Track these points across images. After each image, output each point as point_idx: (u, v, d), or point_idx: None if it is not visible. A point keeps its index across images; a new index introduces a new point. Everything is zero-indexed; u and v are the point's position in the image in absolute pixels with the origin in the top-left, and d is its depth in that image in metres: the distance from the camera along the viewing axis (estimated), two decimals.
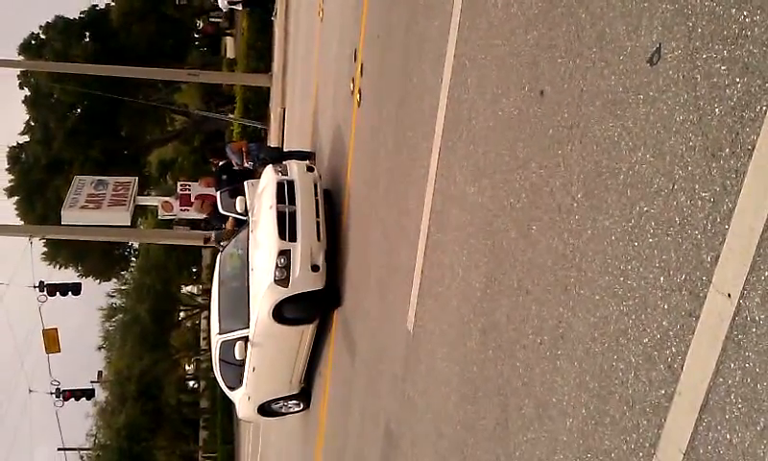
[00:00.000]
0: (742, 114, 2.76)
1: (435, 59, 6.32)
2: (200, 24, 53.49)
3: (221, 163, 14.95)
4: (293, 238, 10.18)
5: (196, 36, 54.33)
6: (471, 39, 5.48)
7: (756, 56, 2.72)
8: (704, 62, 2.97)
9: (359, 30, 10.01)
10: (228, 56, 50.87)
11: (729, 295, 2.76)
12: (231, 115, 34.26)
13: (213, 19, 53.11)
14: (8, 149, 41.57)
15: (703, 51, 2.98)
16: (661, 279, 3.14)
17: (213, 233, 15.08)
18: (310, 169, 11.54)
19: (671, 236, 3.10)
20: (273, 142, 25.84)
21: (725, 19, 2.87)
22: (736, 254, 2.75)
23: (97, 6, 46.05)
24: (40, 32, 41.79)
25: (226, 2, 29.02)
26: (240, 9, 28.80)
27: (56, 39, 40.62)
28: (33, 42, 41.06)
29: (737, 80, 2.80)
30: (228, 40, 53.10)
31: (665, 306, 3.10)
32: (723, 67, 2.88)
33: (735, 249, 2.75)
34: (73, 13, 43.37)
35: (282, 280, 10.00)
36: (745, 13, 2.79)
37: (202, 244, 22.16)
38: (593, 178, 3.69)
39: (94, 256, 42.83)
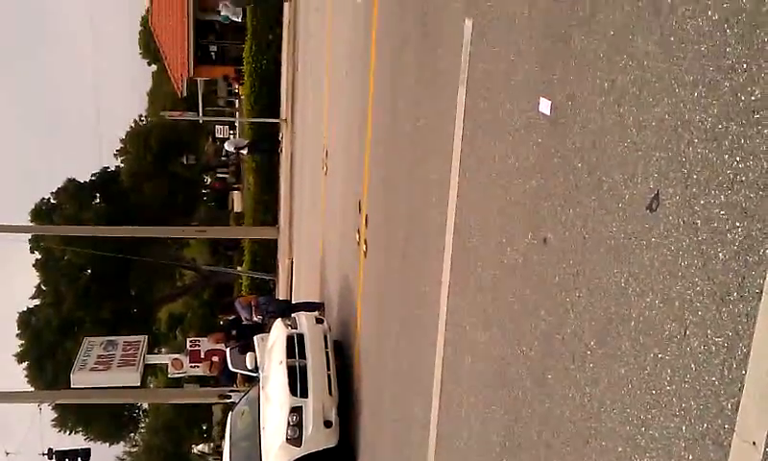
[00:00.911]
0: (746, 258, 2.77)
1: (437, 207, 6.43)
2: (208, 180, 55.02)
3: (230, 319, 14.96)
4: (304, 394, 10.01)
5: (204, 191, 55.77)
6: (472, 188, 5.60)
7: (753, 200, 2.75)
8: (702, 208, 3.00)
9: (362, 183, 10.27)
10: (235, 210, 51.93)
11: (753, 443, 2.67)
12: (240, 268, 34.61)
13: (221, 175, 54.68)
14: (18, 314, 41.80)
15: (700, 197, 3.02)
16: (683, 428, 3.04)
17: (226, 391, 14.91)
18: (319, 321, 11.51)
19: (689, 383, 3.03)
20: (281, 294, 25.96)
21: (719, 165, 2.93)
22: (756, 399, 2.67)
23: (108, 168, 47.59)
24: (51, 197, 42.95)
25: (233, 147, 29.91)
26: (245, 153, 29.66)
27: (67, 203, 41.67)
28: (44, 208, 42.11)
29: (737, 224, 2.83)
30: (236, 195, 54.38)
31: (690, 457, 2.99)
32: (722, 212, 2.91)
33: (755, 395, 2.68)
34: (84, 176, 44.72)
35: (295, 439, 9.75)
36: (738, 159, 2.84)
37: (215, 401, 21.84)
38: (604, 325, 3.66)
39: (103, 419, 42.17)
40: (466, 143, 5.76)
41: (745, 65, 2.79)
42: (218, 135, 45.40)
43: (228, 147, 29.44)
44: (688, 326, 3.05)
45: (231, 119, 44.49)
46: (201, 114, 34.91)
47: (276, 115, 28.12)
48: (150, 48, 52.35)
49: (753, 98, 2.75)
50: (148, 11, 37.60)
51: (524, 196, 4.64)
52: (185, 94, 36.80)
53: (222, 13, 25.53)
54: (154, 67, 61.40)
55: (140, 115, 55.54)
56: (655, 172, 3.31)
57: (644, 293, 3.35)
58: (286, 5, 26.26)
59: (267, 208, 29.78)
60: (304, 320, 11.33)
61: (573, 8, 4.05)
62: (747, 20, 2.78)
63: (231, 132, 56.01)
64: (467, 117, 5.74)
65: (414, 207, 7.42)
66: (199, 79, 35.35)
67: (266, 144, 28.68)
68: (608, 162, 3.69)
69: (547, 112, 4.31)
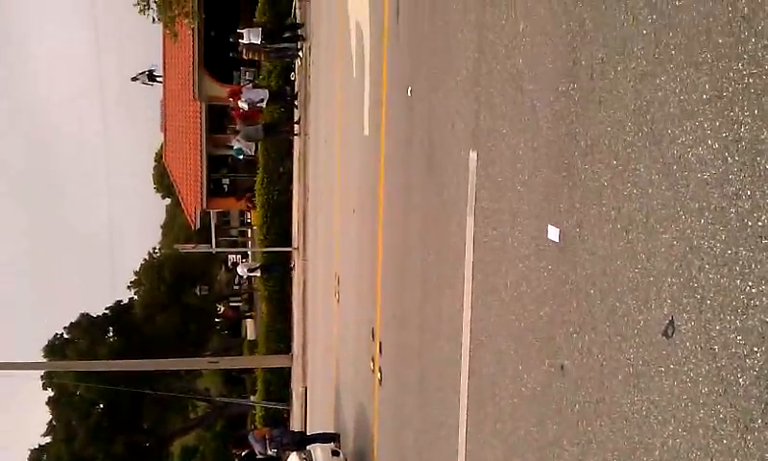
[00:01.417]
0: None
1: (451, 336, 6.40)
2: (221, 309, 55.13)
3: (243, 453, 14.62)
4: None
5: (217, 320, 55.78)
6: (485, 316, 5.59)
7: None
8: (719, 333, 2.99)
9: (375, 310, 10.27)
10: (248, 338, 51.75)
11: None
12: (253, 398, 34.11)
13: (234, 304, 54.85)
14: (29, 452, 41.06)
15: (716, 322, 3.01)
16: None
17: None
18: (335, 453, 11.26)
19: None
20: (296, 422, 25.48)
21: (731, 291, 2.93)
22: None
23: (121, 301, 47.87)
24: (65, 332, 43.03)
25: (246, 269, 30.01)
26: (258, 274, 29.79)
27: (80, 338, 41.68)
28: (57, 343, 42.12)
29: (755, 349, 2.80)
30: (249, 323, 54.33)
31: None
32: (739, 338, 2.89)
33: None
34: (98, 310, 44.93)
35: None
36: (750, 284, 2.85)
37: None
38: (628, 454, 3.56)
39: None
40: (477, 271, 5.80)
41: (749, 192, 2.84)
42: (231, 264, 45.90)
43: (240, 271, 29.64)
44: (714, 454, 2.97)
45: (244, 249, 45.02)
46: (214, 245, 35.36)
47: (288, 244, 28.45)
48: (164, 182, 53.68)
49: (759, 224, 2.78)
50: (162, 146, 38.74)
51: (539, 323, 4.63)
52: (198, 226, 37.40)
53: (235, 147, 26.34)
54: (167, 201, 62.80)
55: (154, 248, 56.39)
56: (668, 298, 3.32)
57: (666, 421, 3.29)
58: (296, 138, 27.05)
59: (280, 336, 29.66)
60: (320, 453, 11.08)
61: (575, 139, 4.17)
62: (747, 148, 2.85)
63: (243, 259, 56.56)
64: (476, 246, 5.80)
65: (428, 337, 7.39)
66: (212, 210, 36.00)
67: (278, 267, 28.94)
68: (620, 288, 3.69)
69: (556, 240, 4.36)
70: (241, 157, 26.44)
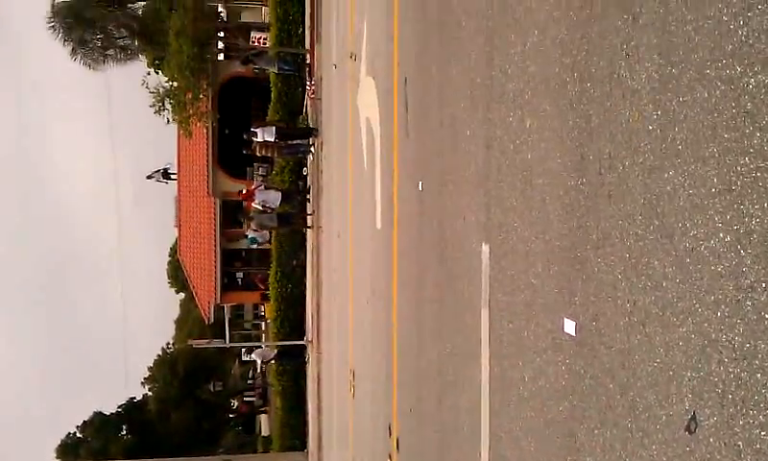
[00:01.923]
0: None
1: (470, 432, 6.29)
2: (235, 404, 54.47)
3: None
4: None
5: (231, 416, 55.04)
6: (504, 411, 5.51)
7: None
8: (742, 429, 2.93)
9: (391, 405, 10.12)
10: (262, 434, 50.91)
11: None
12: None
13: (248, 398, 54.20)
14: None
15: (738, 417, 2.95)
16: None
17: None
18: None
19: None
20: None
21: (752, 385, 2.89)
22: None
23: (134, 398, 47.46)
24: (77, 431, 42.57)
25: (260, 358, 29.65)
26: (274, 363, 29.46)
27: (93, 437, 41.18)
28: (70, 443, 41.61)
29: None
30: (263, 418, 53.57)
31: None
32: (763, 433, 2.83)
33: None
34: (111, 407, 44.53)
35: None
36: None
37: None
38: None
39: None
40: (494, 365, 5.74)
41: (764, 284, 2.83)
42: (245, 351, 45.61)
43: (255, 357, 29.35)
44: None
45: (258, 343, 44.80)
46: (227, 339, 35.25)
47: (302, 337, 28.33)
48: (178, 277, 53.98)
49: None
50: (176, 241, 39.15)
51: (558, 418, 4.55)
52: (212, 320, 37.38)
53: (249, 236, 26.65)
54: (182, 295, 62.95)
55: (167, 343, 56.24)
56: (689, 392, 3.27)
57: None
58: (309, 231, 27.30)
59: (295, 432, 29.18)
60: None
61: (586, 233, 4.20)
62: (759, 240, 2.86)
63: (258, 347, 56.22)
64: (492, 340, 5.76)
65: (446, 432, 7.26)
66: (226, 305, 36.06)
67: (294, 355, 28.74)
68: (639, 383, 3.65)
69: (573, 333, 4.33)
70: (255, 245, 26.68)
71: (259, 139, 23.15)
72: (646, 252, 3.59)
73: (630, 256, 3.73)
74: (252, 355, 29.43)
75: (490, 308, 5.85)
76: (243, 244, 34.30)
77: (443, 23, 7.61)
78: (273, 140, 23.15)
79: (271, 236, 30.55)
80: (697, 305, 3.20)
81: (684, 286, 3.29)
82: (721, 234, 3.06)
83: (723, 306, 3.04)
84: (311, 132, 23.29)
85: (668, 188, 3.42)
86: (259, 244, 27.98)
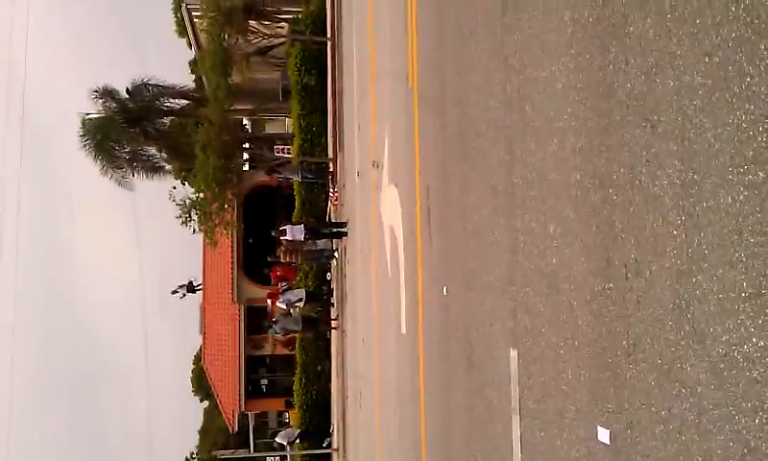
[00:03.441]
0: None
1: None
2: None
3: None
4: None
5: None
6: None
7: None
8: None
9: None
10: None
11: None
12: None
13: None
14: None
15: None
16: None
17: None
18: None
19: None
20: None
21: None
22: None
23: None
24: None
25: (285, 440, 28.62)
26: (297, 442, 28.52)
27: None
28: None
29: None
30: None
31: None
32: None
33: None
34: None
35: None
36: None
37: None
38: None
39: None
40: None
41: None
42: (270, 434, 44.70)
43: (280, 440, 28.41)
44: None
45: (283, 453, 43.89)
46: (252, 448, 34.66)
47: (328, 446, 27.78)
48: (202, 385, 53.57)
49: None
50: (201, 349, 39.09)
51: None
52: (237, 429, 36.87)
53: (270, 328, 26.59)
54: (206, 403, 62.31)
55: (191, 453, 55.28)
56: None
57: None
58: (334, 336, 27.18)
59: None
60: None
61: (616, 338, 4.16)
62: None
63: (281, 428, 54.94)
64: (524, 449, 5.63)
65: None
66: (250, 412, 35.64)
67: (316, 436, 28.05)
68: None
69: (607, 442, 4.24)
70: (279, 334, 26.51)
71: (288, 237, 22.79)
72: (678, 357, 3.54)
73: (662, 362, 3.68)
74: (278, 439, 28.47)
75: (520, 416, 5.74)
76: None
77: (462, 133, 7.79)
78: (302, 238, 22.77)
79: (295, 342, 30.38)
80: (734, 412, 3.14)
81: (720, 393, 3.23)
82: (754, 339, 3.03)
83: (761, 413, 2.98)
84: (342, 227, 22.99)
85: (697, 293, 3.41)
86: (277, 333, 27.88)
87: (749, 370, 3.05)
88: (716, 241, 3.30)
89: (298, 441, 28.77)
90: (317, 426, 28.54)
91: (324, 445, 28.24)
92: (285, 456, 42.40)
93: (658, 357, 3.73)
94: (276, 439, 28.24)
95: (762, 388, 2.98)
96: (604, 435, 4.27)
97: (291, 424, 36.94)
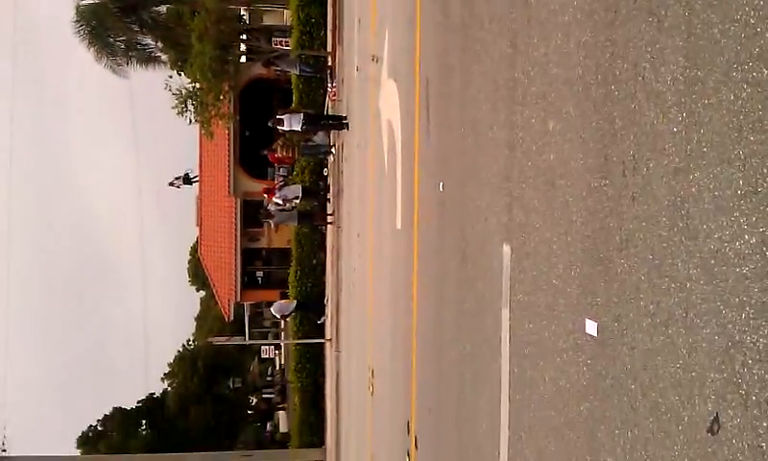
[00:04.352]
0: None
1: (489, 431, 6.31)
2: (253, 401, 54.78)
3: None
4: None
5: (249, 412, 55.33)
6: (524, 411, 5.52)
7: None
8: (766, 430, 2.93)
9: (410, 404, 10.16)
10: (281, 430, 51.14)
11: None
12: None
13: (266, 396, 54.47)
14: None
15: (762, 419, 2.96)
16: None
17: None
18: None
19: None
20: None
21: None
22: None
23: (154, 394, 47.84)
24: (98, 424, 42.98)
25: (279, 313, 29.03)
26: (294, 314, 28.86)
27: (113, 431, 41.56)
28: (90, 435, 42.02)
29: None
30: (281, 414, 53.82)
31: None
32: None
33: None
34: (131, 402, 44.92)
35: None
36: None
37: None
38: None
39: None
40: (514, 365, 5.76)
41: None
42: (264, 305, 45.70)
43: (274, 312, 28.82)
44: None
45: (277, 341, 44.99)
46: (247, 337, 35.45)
47: (321, 336, 28.42)
48: (198, 275, 54.37)
49: None
50: (197, 241, 39.45)
51: (579, 419, 4.56)
52: (232, 318, 37.62)
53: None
54: (202, 293, 63.38)
55: (188, 340, 56.65)
56: (712, 394, 3.27)
57: None
58: (329, 231, 27.40)
59: (313, 429, 29.31)
60: None
61: (609, 234, 4.21)
62: None
63: (276, 352, 56.44)
64: (513, 340, 5.78)
65: (465, 431, 7.28)
66: (246, 303, 36.29)
67: (314, 305, 28.51)
68: (662, 384, 3.66)
69: (594, 334, 4.35)
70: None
71: (285, 128, 22.13)
72: (670, 253, 3.60)
73: (653, 258, 3.74)
74: (271, 309, 28.73)
75: (510, 309, 5.87)
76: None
77: (465, 25, 7.63)
78: (300, 129, 22.14)
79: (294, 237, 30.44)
80: (721, 307, 3.21)
81: (709, 288, 3.30)
82: (746, 236, 3.07)
83: (748, 308, 3.05)
84: (342, 120, 22.44)
85: (693, 190, 3.43)
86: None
87: (739, 266, 3.11)
88: (716, 139, 3.29)
89: (293, 314, 28.77)
90: (311, 320, 29.07)
91: (318, 322, 28.67)
92: (280, 346, 43.48)
93: (649, 253, 3.78)
94: (271, 310, 28.36)
95: (751, 284, 3.03)
96: (591, 328, 4.38)
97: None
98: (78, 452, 39.45)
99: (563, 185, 4.91)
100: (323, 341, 28.40)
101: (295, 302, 28.25)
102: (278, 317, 29.51)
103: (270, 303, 27.97)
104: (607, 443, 4.20)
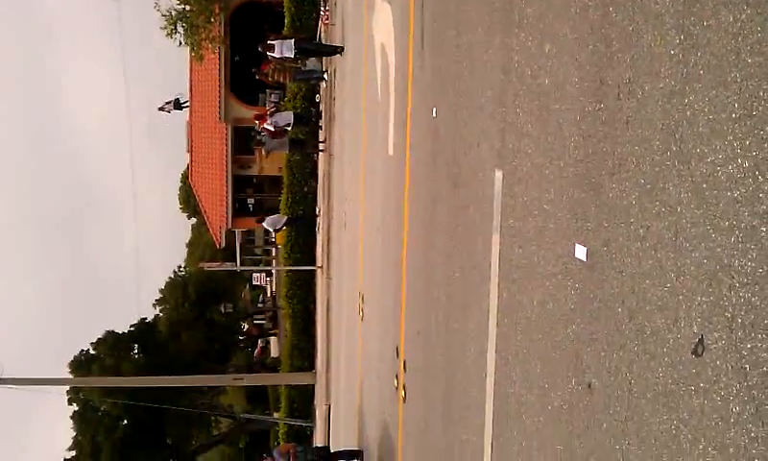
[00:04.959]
0: None
1: (477, 355, 6.41)
2: (245, 326, 55.40)
3: None
4: None
5: (240, 338, 56.01)
6: (511, 334, 5.60)
7: None
8: (750, 352, 2.98)
9: (399, 328, 10.29)
10: (272, 355, 51.89)
11: None
12: (276, 415, 34.15)
13: (257, 321, 55.08)
14: None
15: (747, 341, 3.00)
16: None
17: None
18: None
19: None
20: (319, 440, 25.45)
21: (763, 309, 2.93)
22: None
23: (146, 318, 48.23)
24: (91, 348, 43.42)
25: (272, 226, 28.98)
26: (285, 228, 28.84)
27: (106, 355, 42.03)
28: (83, 359, 42.48)
29: None
30: (273, 340, 54.55)
31: None
32: None
33: None
34: (123, 327, 45.30)
35: None
36: None
37: None
38: None
39: None
40: (503, 290, 5.81)
41: None
42: (257, 220, 45.83)
43: (266, 226, 28.80)
44: None
45: (268, 267, 45.21)
46: (238, 263, 35.63)
47: (313, 263, 28.55)
48: (190, 202, 54.23)
49: None
50: (188, 168, 39.21)
51: (565, 341, 4.63)
52: (224, 245, 37.71)
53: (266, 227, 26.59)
54: (193, 220, 63.35)
55: (179, 266, 56.85)
56: (698, 316, 3.31)
57: (696, 440, 3.27)
58: (321, 158, 27.24)
59: (304, 354, 29.73)
60: None
61: (602, 159, 4.20)
62: None
63: (268, 279, 56.78)
64: (502, 264, 5.82)
65: (453, 354, 7.39)
66: (237, 230, 36.32)
67: (304, 219, 28.61)
68: (649, 307, 3.70)
69: (583, 258, 4.37)
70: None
71: (276, 54, 21.39)
72: (662, 177, 3.59)
73: (645, 182, 3.74)
74: (265, 224, 28.64)
75: (501, 234, 5.89)
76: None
77: None
78: (292, 56, 21.43)
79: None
80: (711, 231, 3.22)
81: (699, 212, 3.30)
82: (739, 160, 3.06)
83: (737, 232, 3.06)
84: (336, 48, 21.84)
85: (688, 114, 3.40)
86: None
87: (730, 190, 3.10)
88: (713, 61, 3.25)
89: (284, 228, 28.68)
90: (302, 246, 29.08)
91: (315, 229, 28.53)
92: (271, 272, 43.67)
93: (641, 177, 3.78)
94: (264, 225, 28.28)
95: (741, 208, 3.04)
96: (581, 252, 4.40)
97: (277, 243, 37.77)
98: (69, 377, 39.94)
99: (557, 110, 4.86)
100: (314, 268, 28.56)
101: (285, 217, 28.13)
102: (271, 230, 29.33)
103: (262, 220, 27.73)
104: (592, 364, 4.27)
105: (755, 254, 2.96)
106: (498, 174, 5.96)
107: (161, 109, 37.98)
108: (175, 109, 37.67)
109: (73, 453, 41.60)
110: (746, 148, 3.02)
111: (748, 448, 2.95)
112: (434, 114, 8.42)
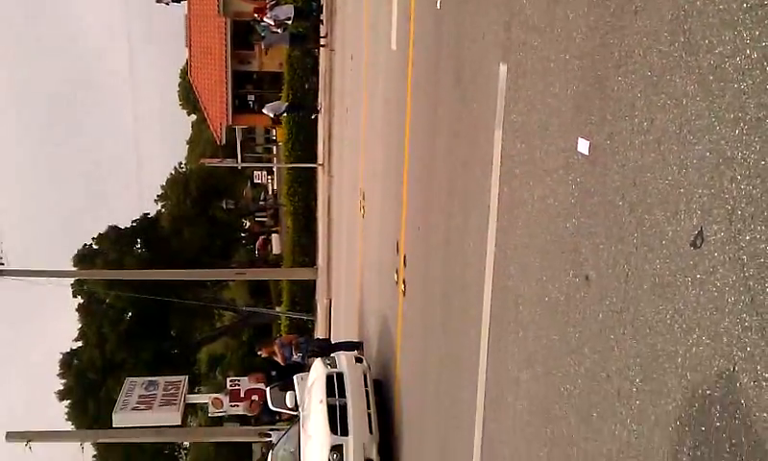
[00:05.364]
0: None
1: (476, 249, 6.48)
2: (246, 224, 55.69)
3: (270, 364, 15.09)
4: (344, 432, 10.04)
5: (243, 235, 56.43)
6: (511, 229, 5.64)
7: None
8: (748, 243, 3.01)
9: (400, 224, 10.36)
10: (274, 252, 52.44)
11: None
12: (278, 309, 34.82)
13: (259, 218, 55.32)
14: (61, 355, 42.52)
15: (745, 233, 3.03)
16: None
17: None
18: (359, 360, 11.55)
19: (738, 420, 3.01)
20: (320, 334, 26.04)
21: (763, 201, 2.94)
22: None
23: (148, 214, 48.47)
24: (93, 242, 43.81)
25: (272, 112, 28.70)
26: (285, 114, 28.60)
27: (109, 249, 42.45)
28: (86, 253, 42.93)
29: None
30: (275, 237, 54.98)
31: None
32: None
33: None
34: (125, 222, 45.58)
35: None
36: None
37: (255, 439, 21.91)
38: (650, 361, 3.65)
39: (144, 458, 42.30)
40: (504, 184, 5.82)
41: None
42: (256, 181, 45.71)
43: (266, 111, 28.61)
44: (737, 362, 3.04)
45: (269, 165, 45.11)
46: (239, 161, 35.52)
47: (314, 161, 28.47)
48: (189, 99, 53.58)
49: None
50: (187, 63, 38.53)
51: (564, 235, 4.67)
52: (224, 142, 37.49)
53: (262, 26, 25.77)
54: (193, 117, 62.76)
55: (180, 163, 56.71)
56: (698, 209, 3.33)
57: (690, 329, 3.35)
58: (322, 54, 26.74)
59: (305, 251, 30.04)
60: (344, 359, 11.37)
61: (608, 51, 4.13)
62: None
63: (269, 177, 56.72)
64: (504, 159, 5.81)
65: (453, 248, 7.47)
66: (237, 127, 36.02)
67: (305, 106, 28.35)
68: (649, 200, 3.71)
69: (586, 152, 4.36)
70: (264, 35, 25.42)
71: None
72: (669, 69, 3.54)
73: (651, 74, 3.69)
74: (264, 110, 28.31)
75: (503, 129, 5.85)
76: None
77: None
78: None
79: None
80: (716, 123, 3.20)
81: (705, 104, 3.27)
82: (748, 51, 3.01)
83: (742, 124, 3.04)
84: None
85: (698, 3, 3.33)
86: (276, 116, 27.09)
87: (737, 81, 3.07)
88: None
89: (285, 114, 28.33)
90: (303, 144, 28.85)
91: (312, 117, 28.18)
92: (272, 170, 43.52)
93: (647, 69, 3.72)
94: (264, 111, 27.92)
95: (747, 99, 3.01)
96: (583, 146, 4.38)
97: (278, 140, 37.50)
98: (73, 269, 40.46)
99: (564, 1, 4.75)
100: (315, 166, 28.50)
101: (286, 104, 27.75)
102: (272, 115, 28.94)
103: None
104: (590, 257, 4.32)
105: (758, 147, 2.95)
106: (503, 67, 5.87)
107: (159, 0, 37.04)
108: (173, 1, 36.75)
109: (80, 344, 42.61)
110: (755, 38, 2.97)
111: (741, 337, 3.02)
112: (438, 5, 8.22)
